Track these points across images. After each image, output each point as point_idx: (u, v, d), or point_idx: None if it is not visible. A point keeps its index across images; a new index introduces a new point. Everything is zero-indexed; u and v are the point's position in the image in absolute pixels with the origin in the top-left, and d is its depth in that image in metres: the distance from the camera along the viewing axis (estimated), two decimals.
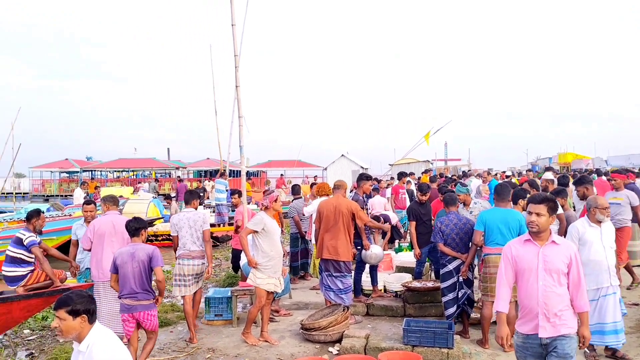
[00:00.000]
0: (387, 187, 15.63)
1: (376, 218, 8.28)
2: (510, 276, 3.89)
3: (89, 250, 6.77)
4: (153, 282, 5.67)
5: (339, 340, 6.36)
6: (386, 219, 8.63)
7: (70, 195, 28.67)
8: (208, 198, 22.89)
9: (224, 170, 19.01)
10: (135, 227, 5.78)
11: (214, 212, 18.37)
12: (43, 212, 7.17)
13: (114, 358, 3.11)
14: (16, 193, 41.51)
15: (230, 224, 16.03)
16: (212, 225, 14.31)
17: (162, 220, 16.69)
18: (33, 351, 6.71)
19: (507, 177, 22.64)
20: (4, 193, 24.93)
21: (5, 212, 19.74)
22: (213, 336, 6.97)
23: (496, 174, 22.99)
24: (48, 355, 6.44)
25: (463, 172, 26.78)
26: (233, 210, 16.51)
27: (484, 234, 6.17)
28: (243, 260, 8.02)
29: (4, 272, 6.76)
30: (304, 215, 9.80)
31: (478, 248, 6.38)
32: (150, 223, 14.79)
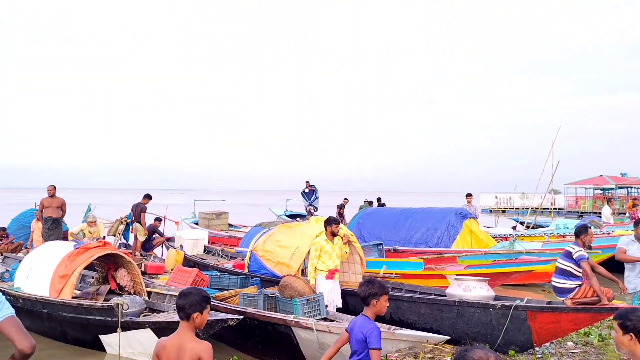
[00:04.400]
0: None
1: None
2: None
3: None
4: None
5: None
6: None
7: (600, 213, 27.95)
8: None
9: None
10: None
11: None
12: (591, 228, 7.23)
13: None
14: (552, 209, 43.71)
15: None
16: None
17: None
18: None
19: None
20: (541, 208, 26.57)
21: (543, 227, 20.92)
22: None
23: None
24: None
25: None
26: None
27: None
28: None
29: (553, 283, 7.15)
30: None
31: None
32: None
